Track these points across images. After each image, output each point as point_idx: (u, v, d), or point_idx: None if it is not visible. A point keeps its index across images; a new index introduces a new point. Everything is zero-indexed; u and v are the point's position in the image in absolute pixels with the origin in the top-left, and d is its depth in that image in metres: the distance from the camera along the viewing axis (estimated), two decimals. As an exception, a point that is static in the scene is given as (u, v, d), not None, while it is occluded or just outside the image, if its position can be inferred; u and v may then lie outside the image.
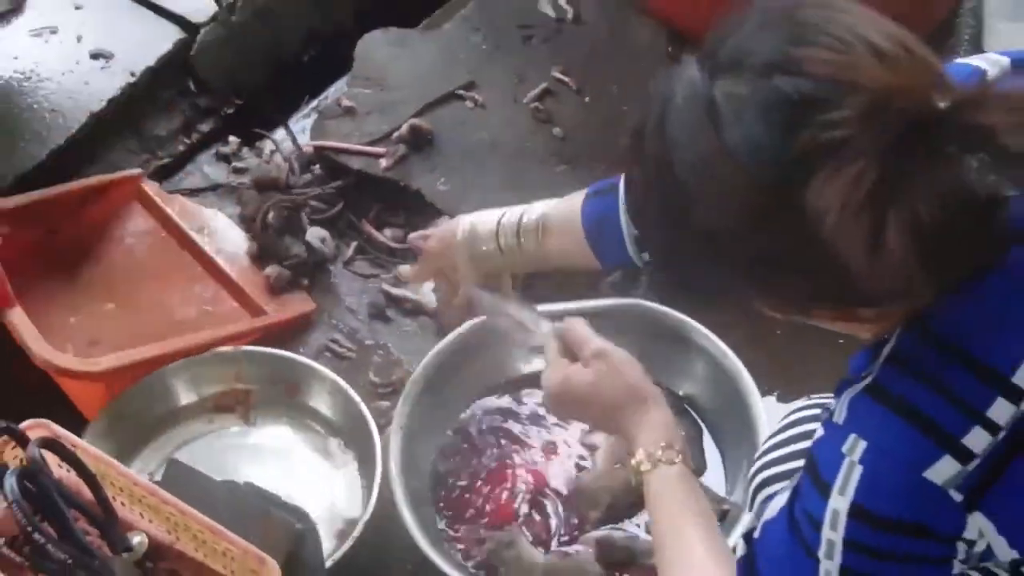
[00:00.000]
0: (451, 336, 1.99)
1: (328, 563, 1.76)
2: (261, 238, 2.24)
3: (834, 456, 1.23)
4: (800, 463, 1.34)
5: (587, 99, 2.35)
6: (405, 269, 2.00)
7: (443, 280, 1.89)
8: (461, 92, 2.27)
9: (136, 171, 2.36)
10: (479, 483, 1.93)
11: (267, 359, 2.03)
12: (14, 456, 1.56)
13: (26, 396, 1.92)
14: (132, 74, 2.39)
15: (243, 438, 2.01)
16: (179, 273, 2.28)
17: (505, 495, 1.92)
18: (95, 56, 2.40)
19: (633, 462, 1.56)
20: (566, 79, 2.28)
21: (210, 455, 1.94)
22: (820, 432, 1.26)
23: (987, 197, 1.16)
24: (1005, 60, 1.38)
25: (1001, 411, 1.16)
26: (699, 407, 1.99)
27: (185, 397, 2.01)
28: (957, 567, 1.23)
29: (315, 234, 2.28)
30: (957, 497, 1.17)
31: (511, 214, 1.81)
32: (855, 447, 1.20)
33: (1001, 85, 1.23)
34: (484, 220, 1.83)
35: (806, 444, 1.35)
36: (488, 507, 1.91)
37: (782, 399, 2.03)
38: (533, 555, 1.82)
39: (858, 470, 1.20)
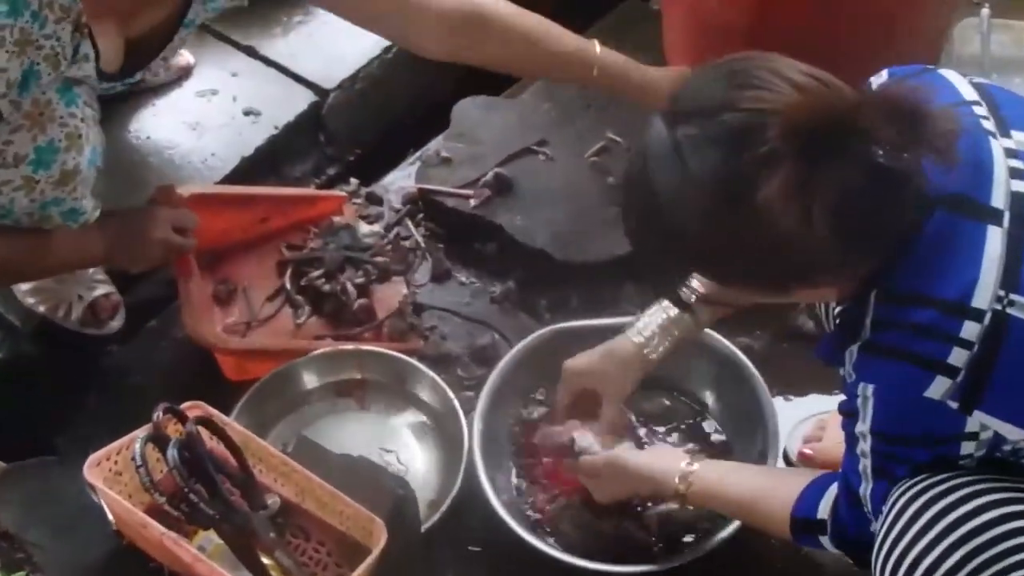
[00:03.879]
0: (512, 352, 1.91)
1: (423, 528, 1.70)
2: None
3: (852, 400, 1.30)
4: None
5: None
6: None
7: (582, 399, 1.81)
8: (535, 148, 2.20)
9: (342, 193, 2.28)
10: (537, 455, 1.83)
11: (382, 357, 1.96)
12: (175, 430, 1.61)
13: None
14: (275, 127, 2.33)
15: (359, 419, 1.94)
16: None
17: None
18: (247, 113, 2.34)
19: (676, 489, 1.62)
20: (619, 139, 2.21)
21: (331, 432, 1.89)
22: (842, 395, 1.34)
23: (902, 172, 1.18)
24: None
25: (971, 330, 1.17)
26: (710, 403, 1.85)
27: (310, 383, 1.94)
28: (966, 449, 1.28)
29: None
30: (954, 405, 1.21)
31: (643, 335, 1.75)
32: (865, 391, 1.27)
33: (870, 89, 1.27)
34: (626, 347, 1.74)
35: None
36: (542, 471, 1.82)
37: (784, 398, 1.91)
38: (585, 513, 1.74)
39: (871, 404, 1.27)
